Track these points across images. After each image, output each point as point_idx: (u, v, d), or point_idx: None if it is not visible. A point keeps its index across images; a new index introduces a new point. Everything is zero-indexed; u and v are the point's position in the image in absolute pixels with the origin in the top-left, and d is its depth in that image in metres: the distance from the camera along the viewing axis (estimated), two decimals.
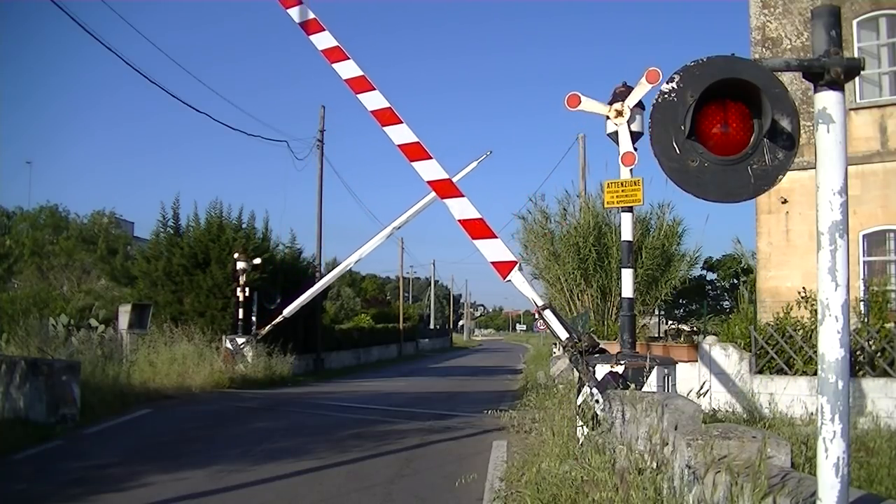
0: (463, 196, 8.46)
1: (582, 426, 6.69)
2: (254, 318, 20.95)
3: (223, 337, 20.03)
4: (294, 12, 9.69)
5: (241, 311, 20.54)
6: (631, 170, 7.83)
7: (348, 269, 24.25)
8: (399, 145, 8.55)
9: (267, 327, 20.01)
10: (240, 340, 19.77)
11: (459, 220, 8.46)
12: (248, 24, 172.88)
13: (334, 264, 28.96)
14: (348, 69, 9.29)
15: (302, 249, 27.18)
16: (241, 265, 20.35)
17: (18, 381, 10.91)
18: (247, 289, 20.51)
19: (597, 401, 6.75)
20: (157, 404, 13.45)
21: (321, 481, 7.37)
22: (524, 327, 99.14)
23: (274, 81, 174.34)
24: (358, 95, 9.17)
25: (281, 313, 21.25)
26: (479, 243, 8.31)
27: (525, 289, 8.39)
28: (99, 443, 9.71)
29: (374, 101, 9.00)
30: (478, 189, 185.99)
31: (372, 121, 8.97)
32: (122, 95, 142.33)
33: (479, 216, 8.36)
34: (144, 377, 15.17)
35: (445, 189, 8.45)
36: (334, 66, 9.37)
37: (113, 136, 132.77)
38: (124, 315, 18.15)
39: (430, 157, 8.51)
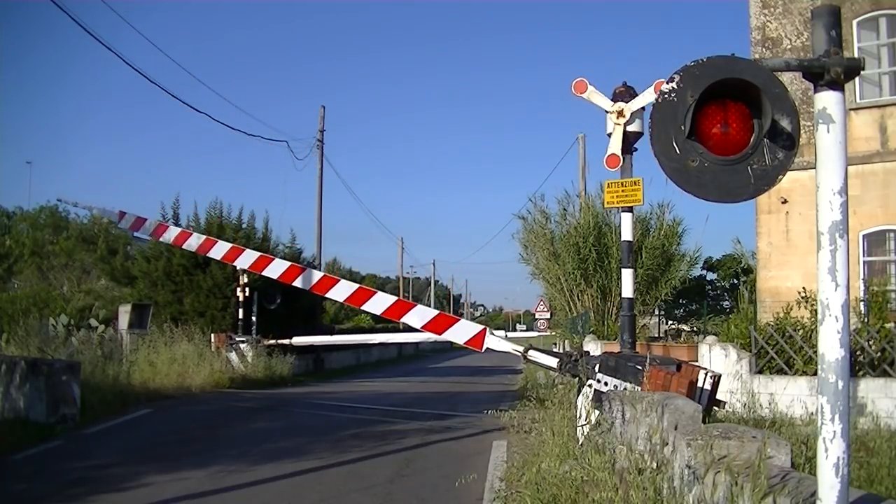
0: (416, 305, 9.37)
1: (582, 426, 6.70)
2: (254, 319, 20.95)
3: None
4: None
5: (241, 311, 20.54)
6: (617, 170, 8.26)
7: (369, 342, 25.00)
8: (344, 300, 9.76)
9: (272, 341, 20.01)
10: (239, 339, 19.75)
11: (422, 327, 9.15)
12: (248, 24, 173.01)
13: (334, 264, 29.02)
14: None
15: (302, 249, 27.22)
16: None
17: (18, 381, 10.90)
18: (247, 289, 20.50)
19: (605, 384, 6.78)
20: (157, 404, 13.44)
21: (321, 481, 7.37)
22: (524, 327, 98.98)
23: (274, 82, 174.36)
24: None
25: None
26: (447, 334, 8.98)
27: (502, 345, 8.85)
28: (99, 443, 9.72)
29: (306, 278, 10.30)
30: (477, 189, 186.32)
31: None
32: (123, 96, 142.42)
33: (436, 313, 9.17)
34: (144, 377, 15.14)
35: (399, 310, 9.30)
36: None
37: (113, 137, 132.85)
38: (124, 315, 18.12)
39: (375, 292, 9.59)
